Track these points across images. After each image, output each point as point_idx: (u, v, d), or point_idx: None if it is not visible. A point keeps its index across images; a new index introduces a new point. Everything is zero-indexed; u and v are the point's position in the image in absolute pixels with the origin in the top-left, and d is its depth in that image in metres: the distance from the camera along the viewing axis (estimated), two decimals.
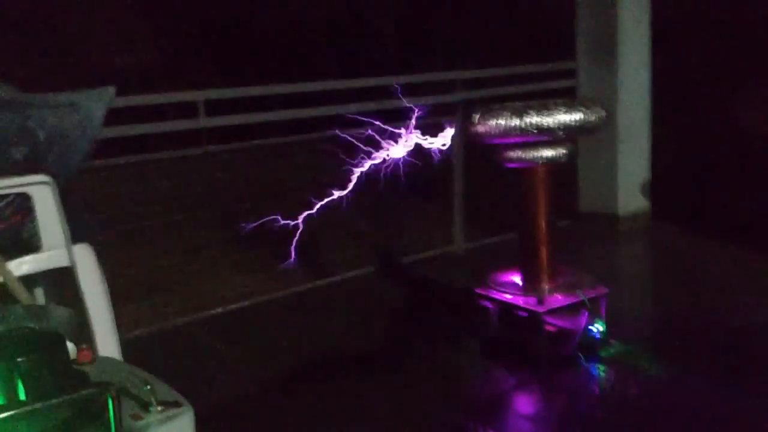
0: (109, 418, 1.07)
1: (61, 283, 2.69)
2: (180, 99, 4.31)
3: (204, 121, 4.16)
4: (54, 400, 1.02)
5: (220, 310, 4.42)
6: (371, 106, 4.90)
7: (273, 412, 3.09)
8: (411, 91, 4.32)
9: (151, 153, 4.06)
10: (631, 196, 5.73)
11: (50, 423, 1.03)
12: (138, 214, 4.21)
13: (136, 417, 1.17)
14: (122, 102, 3.70)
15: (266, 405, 3.16)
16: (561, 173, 5.69)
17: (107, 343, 2.72)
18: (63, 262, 2.64)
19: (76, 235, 2.69)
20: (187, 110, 4.16)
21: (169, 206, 4.38)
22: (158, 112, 4.14)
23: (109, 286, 3.68)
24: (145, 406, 1.21)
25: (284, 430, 2.96)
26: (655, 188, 5.76)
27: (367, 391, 3.25)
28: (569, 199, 5.95)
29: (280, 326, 4.19)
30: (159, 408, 1.22)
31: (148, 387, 1.26)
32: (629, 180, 5.71)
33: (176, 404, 1.23)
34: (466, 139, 5.06)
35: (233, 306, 4.49)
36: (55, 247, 2.60)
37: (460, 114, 3.51)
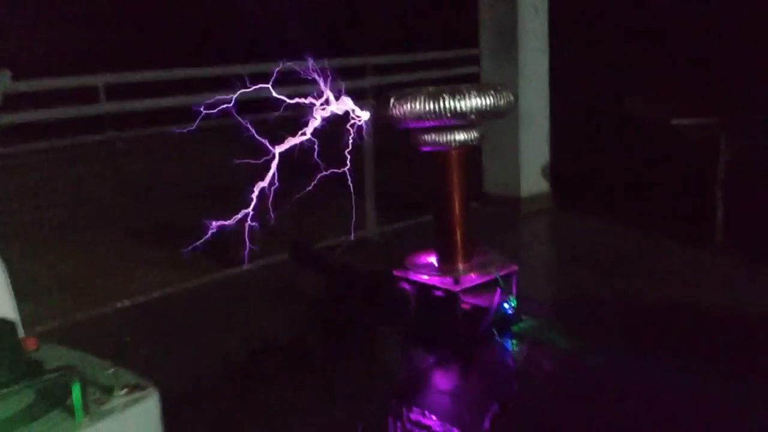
0: (73, 403, 1.04)
1: None
2: (80, 83, 4.11)
3: (106, 106, 3.98)
4: (16, 386, 0.98)
5: (128, 303, 4.27)
6: (281, 91, 4.84)
7: (186, 406, 3.01)
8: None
9: (48, 141, 3.83)
10: (532, 179, 5.97)
11: (13, 409, 0.98)
12: (36, 206, 4.00)
13: (99, 401, 1.14)
14: (21, 87, 3.49)
15: (179, 399, 3.08)
16: (468, 157, 5.92)
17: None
18: None
19: None
20: (87, 96, 3.98)
21: (68, 198, 4.18)
22: (56, 99, 3.92)
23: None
24: (108, 390, 1.18)
25: (201, 423, 2.91)
26: (554, 171, 6.03)
27: (286, 378, 3.24)
28: (476, 183, 6.13)
29: (191, 318, 4.10)
30: (123, 391, 1.19)
31: (111, 371, 1.23)
32: (530, 163, 5.95)
33: (140, 387, 1.21)
34: (377, 124, 5.12)
35: (141, 299, 4.35)
36: None
37: (371, 99, 3.55)
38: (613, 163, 6.26)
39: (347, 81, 4.92)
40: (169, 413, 2.94)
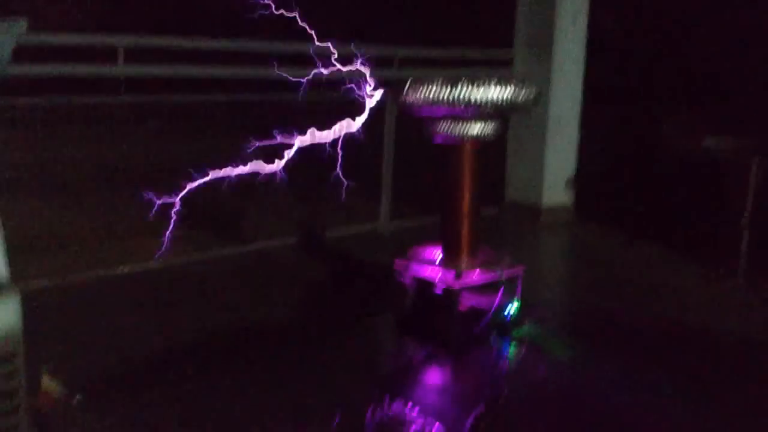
0: None
1: None
2: (99, 42, 4.07)
3: (123, 69, 3.93)
4: None
5: (125, 270, 4.22)
6: (304, 72, 4.77)
7: (177, 383, 2.93)
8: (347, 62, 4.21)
9: (60, 96, 3.79)
10: (555, 189, 5.82)
11: None
12: (42, 164, 3.97)
13: None
14: (35, 39, 3.45)
15: (169, 375, 3.01)
16: (491, 161, 5.80)
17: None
18: None
19: None
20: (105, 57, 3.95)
21: (76, 158, 4.13)
22: (73, 56, 3.89)
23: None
24: None
25: (189, 403, 2.82)
26: (579, 183, 5.87)
27: (279, 363, 3.16)
28: (497, 188, 6.01)
29: (191, 293, 4.03)
30: None
31: None
32: (555, 173, 5.79)
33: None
34: (398, 115, 5.04)
35: (139, 267, 4.28)
36: None
37: (392, 90, 3.45)
38: (640, 181, 6.09)
39: (373, 69, 4.86)
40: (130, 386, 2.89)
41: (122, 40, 3.88)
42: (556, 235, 5.57)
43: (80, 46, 3.91)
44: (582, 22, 5.61)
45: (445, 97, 3.05)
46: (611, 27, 6.20)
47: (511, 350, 3.32)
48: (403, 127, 5.02)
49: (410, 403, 2.75)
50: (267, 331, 3.52)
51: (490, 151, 5.65)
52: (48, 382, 2.56)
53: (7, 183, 3.78)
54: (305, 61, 4.72)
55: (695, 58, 6.06)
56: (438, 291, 3.34)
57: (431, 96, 3.07)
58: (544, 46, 5.56)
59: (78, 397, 2.60)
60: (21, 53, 2.75)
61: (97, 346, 3.25)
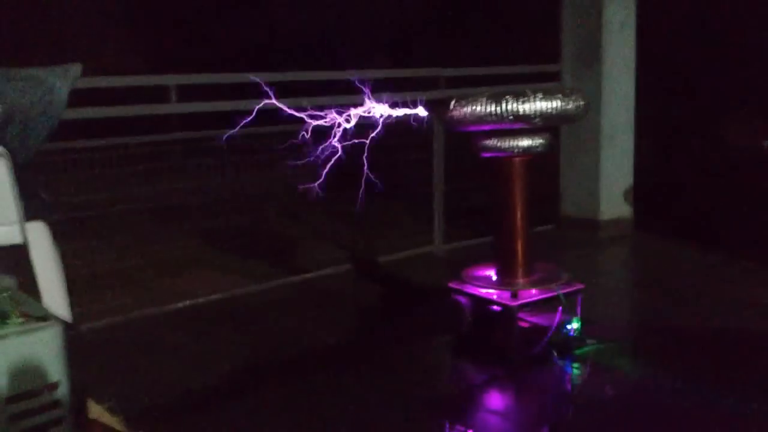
0: None
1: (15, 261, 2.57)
2: (151, 82, 4.18)
3: (176, 107, 4.02)
4: None
5: (187, 303, 4.27)
6: (349, 99, 4.80)
7: (240, 409, 2.96)
8: (394, 86, 4.23)
9: (114, 138, 3.90)
10: (613, 201, 5.66)
11: None
12: (98, 203, 4.07)
13: None
14: (88, 82, 3.57)
15: (233, 402, 3.03)
16: (545, 177, 5.70)
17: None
18: (16, 239, 2.53)
19: (30, 213, 2.58)
20: (157, 96, 4.04)
21: (132, 197, 4.24)
22: (126, 97, 4.01)
23: (67, 274, 3.56)
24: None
25: (251, 428, 2.83)
26: (637, 195, 5.70)
27: (338, 388, 3.13)
28: (553, 204, 5.89)
29: (250, 322, 4.06)
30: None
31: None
32: (611, 185, 5.64)
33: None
34: (446, 132, 5.00)
35: (201, 300, 4.34)
36: (7, 224, 2.49)
37: (440, 110, 3.43)
38: (701, 188, 5.87)
39: (420, 92, 4.85)
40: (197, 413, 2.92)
41: (172, 79, 3.98)
42: (616, 249, 5.40)
43: (133, 87, 4.03)
44: (630, 28, 5.49)
45: (491, 111, 3.00)
46: (661, 31, 6.04)
47: (574, 369, 3.20)
48: (456, 148, 4.99)
49: (471, 428, 2.68)
50: (326, 357, 3.50)
51: (544, 166, 5.61)
52: (104, 415, 2.58)
53: (67, 224, 3.89)
54: (346, 90, 4.79)
55: (751, 57, 5.84)
56: (495, 310, 3.27)
57: (477, 111, 3.03)
58: (591, 56, 5.46)
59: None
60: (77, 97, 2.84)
61: (158, 379, 3.29)
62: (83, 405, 2.06)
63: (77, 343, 2.43)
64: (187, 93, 4.17)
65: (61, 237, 3.77)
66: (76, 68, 2.70)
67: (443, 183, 5.21)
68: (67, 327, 1.62)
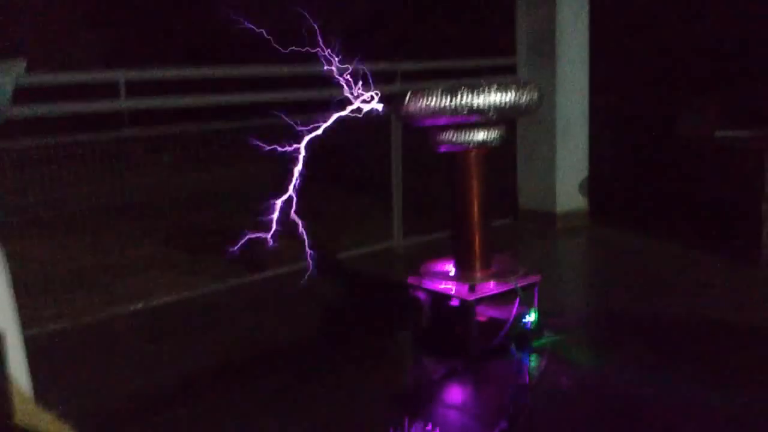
0: None
1: None
2: (99, 78, 4.07)
3: (125, 103, 3.92)
4: None
5: (140, 305, 4.19)
6: (306, 94, 4.76)
7: (194, 413, 2.91)
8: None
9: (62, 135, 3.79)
10: (568, 194, 5.73)
11: None
12: (48, 204, 3.95)
13: None
14: (34, 79, 3.46)
15: (186, 406, 2.98)
16: (502, 171, 5.73)
17: (8, 327, 2.52)
18: None
19: None
20: (106, 92, 3.94)
21: (81, 195, 4.12)
22: (72, 93, 3.90)
23: (20, 276, 3.45)
24: None
25: (208, 428, 2.78)
26: (593, 187, 5.78)
27: (298, 385, 3.10)
28: (511, 197, 5.93)
29: (207, 323, 4.00)
30: None
31: None
32: (567, 178, 5.70)
33: None
34: (401, 125, 4.99)
35: (155, 302, 4.26)
36: None
37: (396, 104, 3.40)
38: (655, 179, 5.97)
39: (376, 86, 4.83)
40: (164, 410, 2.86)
41: (122, 75, 3.87)
42: (573, 241, 5.46)
43: (81, 83, 3.91)
44: (584, 20, 5.54)
45: (447, 104, 2.99)
46: (614, 23, 6.11)
47: (532, 361, 3.22)
48: (412, 142, 4.99)
49: (431, 422, 2.67)
50: (285, 355, 3.47)
51: (500, 160, 5.64)
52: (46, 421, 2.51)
53: (18, 225, 3.77)
54: (306, 83, 4.74)
55: (703, 47, 5.94)
56: (453, 304, 3.27)
57: (432, 105, 3.01)
58: (546, 49, 5.50)
59: None
60: (22, 94, 2.75)
61: (114, 381, 3.22)
62: (9, 410, 1.99)
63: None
64: (138, 88, 4.08)
65: (12, 238, 3.66)
66: (20, 64, 2.61)
67: (401, 178, 5.20)
68: None
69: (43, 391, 2.48)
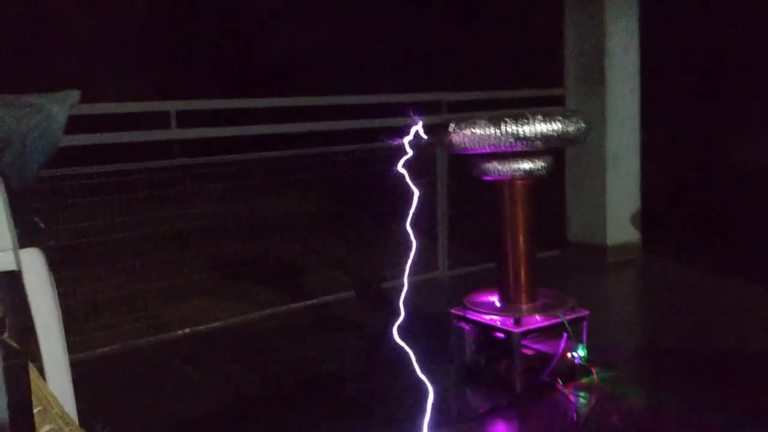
0: None
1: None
2: (150, 108, 4.18)
3: (176, 133, 4.01)
4: None
5: (187, 331, 4.23)
6: (353, 124, 4.79)
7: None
8: (395, 112, 4.22)
9: (114, 164, 3.89)
10: (620, 226, 5.59)
11: None
12: (98, 231, 4.05)
13: None
14: (86, 109, 3.56)
15: (233, 430, 2.97)
16: (551, 202, 5.65)
17: (54, 351, 2.56)
18: (9, 265, 2.50)
19: (25, 240, 2.55)
20: (157, 122, 4.04)
21: (131, 223, 4.22)
22: (123, 124, 4.01)
23: (68, 302, 3.52)
24: None
25: None
26: (645, 219, 5.63)
27: (339, 415, 3.06)
28: (559, 229, 5.82)
29: (250, 349, 4.01)
30: None
31: None
32: (618, 210, 5.58)
33: None
34: (446, 155, 4.96)
35: (201, 328, 4.30)
36: (1, 250, 2.46)
37: (440, 133, 3.39)
38: (710, 210, 5.79)
39: (422, 117, 4.84)
40: None
41: (173, 105, 3.97)
42: (624, 274, 5.32)
43: (133, 114, 4.03)
44: (634, 50, 5.46)
45: (490, 133, 2.96)
46: (665, 53, 6.01)
47: (580, 398, 3.11)
48: (461, 174, 4.97)
49: None
50: (327, 384, 3.43)
51: (548, 192, 5.55)
52: None
53: (67, 252, 3.87)
54: (351, 114, 4.78)
55: (756, 76, 5.78)
56: (498, 337, 3.20)
57: (476, 133, 2.99)
58: (595, 79, 5.43)
59: None
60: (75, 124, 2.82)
61: (156, 408, 3.23)
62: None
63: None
64: (187, 119, 4.17)
65: (61, 264, 3.75)
66: (74, 94, 2.69)
67: (447, 208, 5.16)
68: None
69: (88, 416, 2.51)
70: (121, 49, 10.10)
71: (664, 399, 3.07)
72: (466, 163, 3.44)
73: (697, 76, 6.09)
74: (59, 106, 2.65)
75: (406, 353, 3.77)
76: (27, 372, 1.78)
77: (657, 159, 5.80)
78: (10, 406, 1.54)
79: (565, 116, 3.00)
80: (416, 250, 5.64)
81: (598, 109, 5.38)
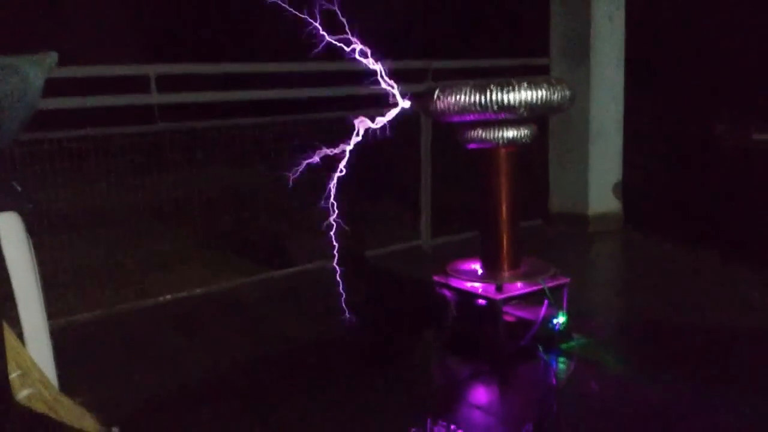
0: None
1: None
2: (129, 72, 4.10)
3: (156, 97, 3.94)
4: None
5: (168, 297, 4.22)
6: (340, 91, 4.74)
7: (222, 408, 2.90)
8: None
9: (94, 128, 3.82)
10: (602, 196, 5.63)
11: None
12: (78, 198, 4.00)
13: None
14: (64, 72, 3.49)
15: (214, 400, 2.97)
16: (534, 172, 5.66)
17: (33, 316, 2.54)
18: None
19: (2, 204, 2.51)
20: (136, 87, 3.97)
21: (112, 190, 4.17)
22: (102, 87, 3.94)
23: (50, 268, 3.48)
24: None
25: (231, 426, 2.77)
26: (627, 190, 5.67)
27: (320, 383, 3.08)
28: (542, 199, 5.84)
29: (233, 317, 4.01)
30: None
31: None
32: (600, 180, 5.61)
33: None
34: (431, 123, 4.95)
35: (182, 294, 4.29)
36: None
37: (425, 100, 3.37)
38: (691, 182, 5.84)
39: (407, 84, 4.80)
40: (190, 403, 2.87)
41: (153, 69, 3.90)
42: (605, 244, 5.37)
43: (111, 77, 3.95)
44: (619, 21, 5.44)
45: (475, 100, 2.95)
46: (650, 24, 5.99)
47: (560, 364, 3.15)
48: (443, 141, 4.96)
49: (456, 423, 2.63)
50: (309, 352, 3.45)
51: (531, 163, 5.56)
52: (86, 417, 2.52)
53: (47, 218, 3.82)
54: (336, 79, 4.72)
55: (740, 49, 5.79)
56: (480, 304, 3.22)
57: (461, 101, 2.97)
58: (580, 50, 5.42)
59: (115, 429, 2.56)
60: (52, 87, 2.77)
61: (140, 372, 3.23)
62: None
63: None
64: (169, 83, 4.10)
65: (40, 230, 3.71)
66: (52, 57, 2.63)
67: (431, 177, 5.16)
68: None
69: (68, 381, 2.50)
70: (102, 12, 9.91)
71: (641, 365, 3.12)
72: (450, 131, 3.43)
73: (683, 50, 6.09)
74: (36, 69, 2.60)
75: (389, 321, 3.80)
76: (0, 328, 1.76)
77: (640, 130, 5.81)
78: None
79: (550, 84, 2.99)
80: (399, 218, 5.64)
81: (583, 79, 5.37)
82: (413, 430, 2.58)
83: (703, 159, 5.74)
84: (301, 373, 3.18)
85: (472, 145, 3.23)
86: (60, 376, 2.50)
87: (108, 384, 3.07)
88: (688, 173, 5.95)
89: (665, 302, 3.93)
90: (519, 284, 3.21)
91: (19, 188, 2.87)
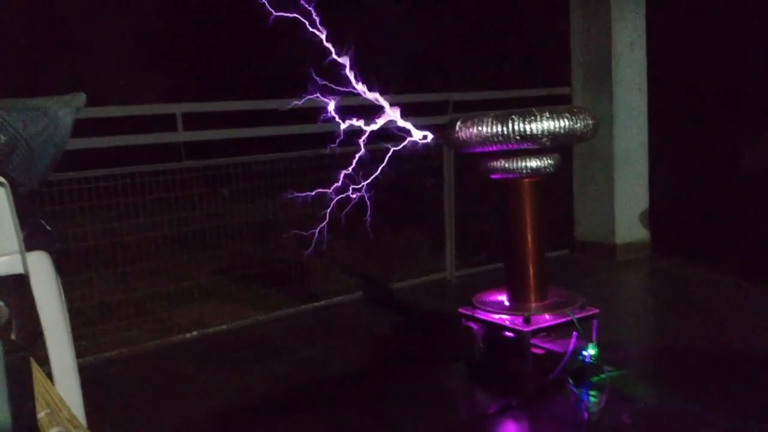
0: None
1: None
2: (156, 111, 4.17)
3: (183, 135, 4.00)
4: None
5: (195, 333, 4.23)
6: (359, 124, 4.76)
7: None
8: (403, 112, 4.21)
9: (121, 167, 3.89)
10: (628, 225, 5.56)
11: None
12: (106, 234, 4.05)
13: None
14: (93, 112, 3.56)
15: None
16: (559, 201, 5.61)
17: (62, 354, 2.55)
18: (16, 269, 2.50)
19: (32, 244, 2.54)
20: (163, 125, 4.04)
21: (139, 226, 4.22)
22: (131, 127, 4.02)
23: (76, 305, 3.51)
24: None
25: None
26: (654, 218, 5.59)
27: (349, 416, 3.05)
28: (567, 229, 5.79)
29: (260, 351, 4.00)
30: None
31: None
32: (627, 208, 5.55)
33: None
34: (453, 155, 4.95)
35: (210, 330, 4.30)
36: (8, 253, 2.46)
37: (446, 132, 3.38)
38: (718, 209, 5.74)
39: (428, 117, 4.82)
40: None
41: (179, 108, 3.97)
42: (633, 274, 5.28)
43: (139, 116, 4.03)
44: (640, 48, 5.43)
45: (497, 131, 2.95)
46: (672, 51, 5.97)
47: (590, 397, 3.09)
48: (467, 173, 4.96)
49: None
50: (336, 386, 3.42)
51: (556, 192, 5.52)
52: None
53: (75, 255, 3.87)
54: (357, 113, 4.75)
55: (764, 74, 5.74)
56: (507, 336, 3.17)
57: (483, 131, 2.97)
58: (602, 78, 5.41)
59: None
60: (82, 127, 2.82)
61: (163, 411, 3.22)
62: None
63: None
64: (193, 121, 4.17)
65: (69, 268, 3.76)
66: (80, 98, 2.69)
67: (454, 208, 5.14)
68: None
69: (96, 418, 2.50)
70: (129, 53, 10.14)
71: (674, 398, 3.04)
72: (473, 162, 3.43)
73: (705, 74, 6.05)
74: (65, 109, 2.65)
75: (416, 354, 3.76)
76: (29, 365, 1.76)
77: (665, 157, 5.76)
78: (12, 401, 1.53)
79: (573, 113, 2.98)
80: (425, 251, 5.62)
81: (606, 107, 5.35)
82: None
83: (730, 183, 5.65)
84: (329, 408, 3.15)
85: (495, 176, 3.22)
86: (88, 414, 2.51)
87: (136, 421, 3.07)
88: (715, 198, 5.86)
89: (697, 331, 3.84)
90: (547, 316, 3.16)
91: (48, 227, 2.91)
